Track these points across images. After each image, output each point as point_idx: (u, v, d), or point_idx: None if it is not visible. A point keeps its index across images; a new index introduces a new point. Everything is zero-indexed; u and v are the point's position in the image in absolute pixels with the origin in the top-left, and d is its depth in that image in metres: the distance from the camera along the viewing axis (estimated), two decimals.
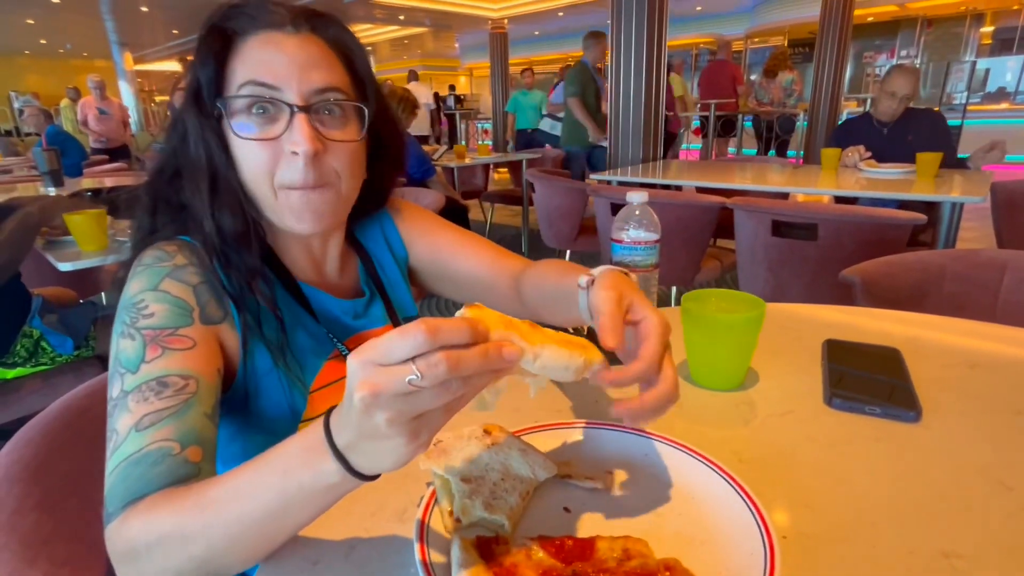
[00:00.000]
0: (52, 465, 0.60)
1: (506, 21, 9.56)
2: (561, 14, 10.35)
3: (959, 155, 2.67)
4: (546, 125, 5.67)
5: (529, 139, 6.05)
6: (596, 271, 0.54)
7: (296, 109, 0.55)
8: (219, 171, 0.57)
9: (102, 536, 0.58)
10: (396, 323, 0.74)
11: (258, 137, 0.56)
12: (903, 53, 10.81)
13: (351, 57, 0.62)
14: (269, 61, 0.56)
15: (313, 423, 0.38)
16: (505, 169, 6.57)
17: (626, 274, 0.55)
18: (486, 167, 5.09)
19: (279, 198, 0.58)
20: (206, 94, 0.56)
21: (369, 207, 0.74)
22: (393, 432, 0.32)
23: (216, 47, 0.56)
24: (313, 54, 0.58)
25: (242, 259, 0.59)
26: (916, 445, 0.56)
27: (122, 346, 0.51)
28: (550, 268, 0.67)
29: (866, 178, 2.45)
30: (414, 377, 0.30)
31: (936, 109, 3.10)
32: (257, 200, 0.59)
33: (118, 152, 6.14)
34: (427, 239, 0.79)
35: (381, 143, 0.67)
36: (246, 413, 0.60)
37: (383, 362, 0.31)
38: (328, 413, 0.37)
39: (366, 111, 0.60)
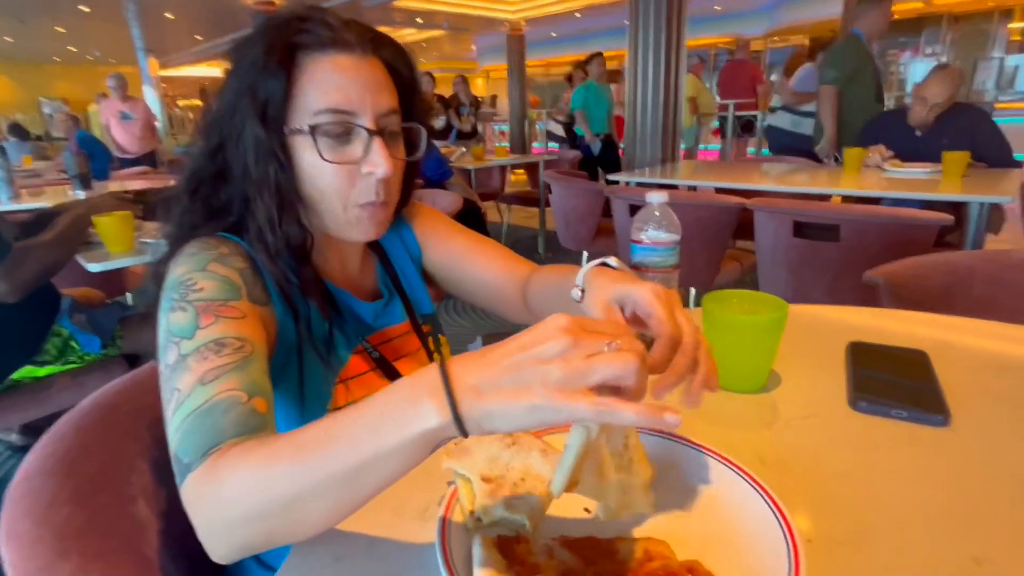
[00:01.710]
0: (84, 460, 0.62)
1: (523, 23, 9.57)
2: (579, 15, 10.33)
3: (1017, 155, 2.45)
4: (783, 121, 4.02)
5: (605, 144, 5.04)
6: (580, 278, 0.57)
7: (373, 133, 0.58)
8: (284, 186, 0.59)
9: (134, 530, 0.60)
10: (414, 320, 0.76)
11: (342, 161, 0.58)
12: (928, 51, 10.58)
13: (401, 76, 0.64)
14: (346, 87, 0.57)
15: (417, 373, 0.37)
16: (522, 171, 6.57)
17: (606, 264, 0.57)
18: (503, 169, 5.10)
19: (348, 213, 0.61)
20: (274, 109, 0.57)
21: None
22: (541, 392, 0.33)
23: (285, 61, 0.56)
24: (378, 78, 0.60)
25: (300, 269, 0.61)
26: (944, 449, 0.55)
27: (173, 319, 0.51)
28: (550, 274, 0.70)
29: (890, 178, 2.41)
30: (614, 344, 0.34)
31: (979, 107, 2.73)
32: (321, 214, 0.62)
33: (143, 162, 5.50)
34: (440, 243, 0.80)
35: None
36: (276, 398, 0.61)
37: (588, 328, 0.35)
38: (440, 361, 0.37)
39: (423, 131, 0.65)
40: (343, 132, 0.58)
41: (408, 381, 0.37)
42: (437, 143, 5.25)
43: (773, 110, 4.23)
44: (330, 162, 0.58)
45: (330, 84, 0.57)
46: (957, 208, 2.11)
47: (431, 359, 0.76)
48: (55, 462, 0.59)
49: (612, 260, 0.59)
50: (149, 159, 5.66)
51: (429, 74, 5.86)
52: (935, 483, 0.51)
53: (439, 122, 5.86)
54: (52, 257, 1.39)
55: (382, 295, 0.75)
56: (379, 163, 0.58)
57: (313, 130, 0.57)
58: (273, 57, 0.56)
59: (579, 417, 0.33)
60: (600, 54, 5.06)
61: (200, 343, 0.49)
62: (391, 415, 0.36)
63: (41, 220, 1.57)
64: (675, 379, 0.45)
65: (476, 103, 6.39)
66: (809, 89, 3.69)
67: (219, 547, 0.41)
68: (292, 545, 0.46)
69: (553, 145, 7.19)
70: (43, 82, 14.58)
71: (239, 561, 0.68)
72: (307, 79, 0.57)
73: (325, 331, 0.64)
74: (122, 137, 5.54)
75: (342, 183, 0.59)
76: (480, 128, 6.55)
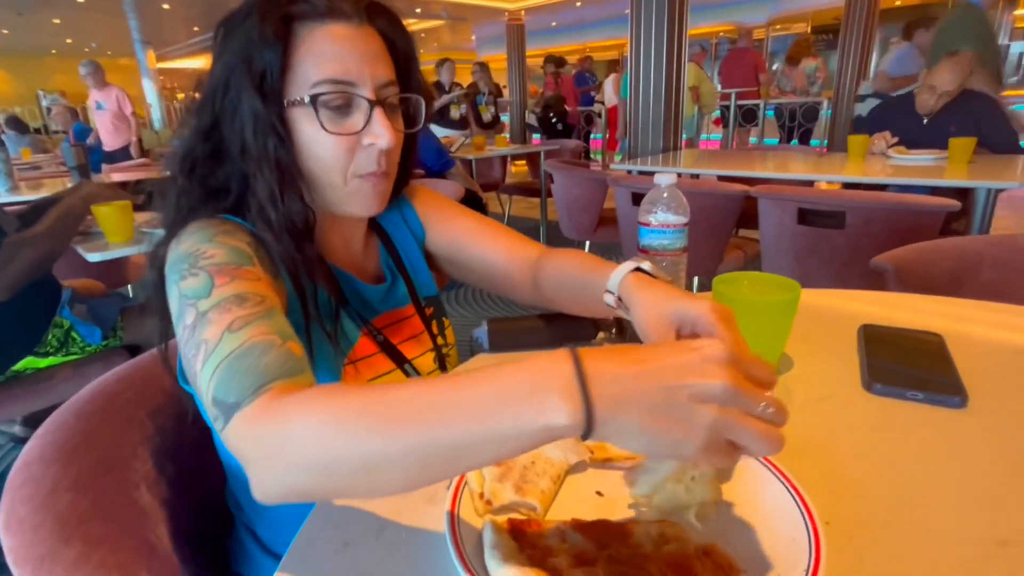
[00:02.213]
0: (85, 447, 0.61)
1: (523, 12, 9.49)
2: (579, 4, 10.24)
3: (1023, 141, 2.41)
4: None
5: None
6: (615, 282, 0.55)
7: (373, 104, 0.57)
8: (284, 160, 0.57)
9: (137, 516, 0.59)
10: (417, 303, 0.75)
11: (343, 132, 0.57)
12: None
13: (396, 47, 0.62)
14: (344, 56, 0.56)
15: (543, 359, 0.34)
16: (523, 161, 6.53)
17: (646, 271, 0.55)
18: (504, 159, 5.07)
19: (348, 185, 0.60)
20: (272, 81, 0.55)
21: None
22: (689, 432, 0.32)
23: (281, 32, 0.54)
24: (376, 48, 0.59)
25: (303, 247, 0.59)
26: (962, 431, 0.54)
27: (186, 285, 0.48)
28: (570, 259, 0.68)
29: (895, 165, 2.39)
30: (767, 407, 0.33)
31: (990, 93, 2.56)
32: (322, 188, 0.60)
33: (117, 156, 4.93)
34: (444, 223, 0.79)
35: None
36: None
37: (746, 372, 0.34)
38: (573, 353, 0.34)
39: (422, 102, 0.63)
40: (343, 103, 0.57)
41: (532, 368, 0.34)
42: (456, 133, 5.07)
43: (862, 98, 3.76)
44: (332, 133, 0.57)
45: (329, 54, 0.56)
46: (963, 194, 2.09)
47: (434, 343, 0.75)
48: (56, 449, 0.59)
49: (646, 265, 0.57)
50: (124, 153, 5.09)
51: (449, 60, 5.53)
52: (953, 465, 0.49)
53: (458, 112, 5.58)
54: (44, 250, 1.37)
55: (385, 278, 0.73)
56: (381, 133, 0.57)
57: (314, 100, 0.56)
58: (269, 28, 0.54)
59: (713, 465, 0.34)
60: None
61: (220, 298, 0.46)
62: (511, 401, 0.33)
63: (36, 211, 1.55)
64: None
65: (497, 91, 5.95)
66: (907, 72, 3.31)
67: (271, 487, 0.38)
68: (298, 530, 0.45)
69: (536, 136, 7.13)
70: (41, 75, 14.50)
71: (243, 546, 0.68)
72: (304, 50, 0.56)
73: (332, 311, 0.63)
74: (99, 129, 5.14)
75: (343, 155, 0.58)
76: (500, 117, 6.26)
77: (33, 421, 1.94)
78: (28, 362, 1.45)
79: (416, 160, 0.74)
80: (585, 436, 0.32)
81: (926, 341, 0.70)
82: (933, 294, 0.91)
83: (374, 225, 0.76)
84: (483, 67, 5.74)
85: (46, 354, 1.48)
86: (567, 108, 6.23)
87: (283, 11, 0.55)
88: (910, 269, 1.20)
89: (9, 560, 0.48)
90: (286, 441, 0.37)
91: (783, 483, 0.44)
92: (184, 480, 0.69)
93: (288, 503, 0.38)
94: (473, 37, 13.84)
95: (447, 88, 5.45)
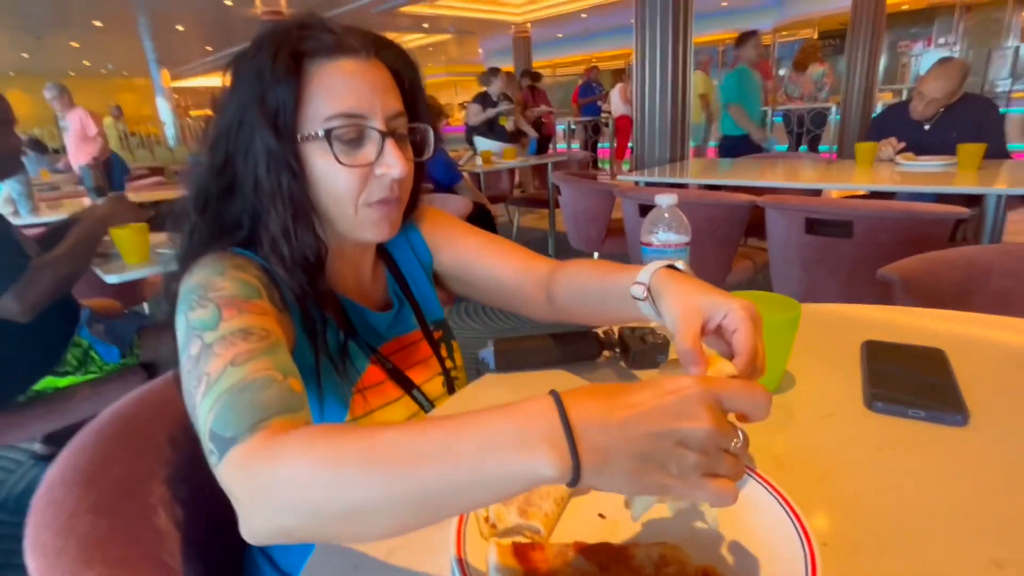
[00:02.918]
0: (105, 470, 0.63)
1: (529, 25, 9.58)
2: (584, 15, 10.33)
3: (1009, 145, 2.52)
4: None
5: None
6: (646, 275, 0.55)
7: (385, 135, 0.59)
8: (298, 195, 0.58)
9: (155, 539, 0.61)
10: (425, 328, 0.76)
11: (357, 163, 0.59)
12: (940, 41, 10.43)
13: (403, 80, 0.64)
14: (355, 90, 0.58)
15: (528, 407, 0.35)
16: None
17: (674, 267, 0.56)
18: (512, 171, 5.11)
19: (360, 214, 0.61)
20: (285, 118, 0.56)
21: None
22: (675, 477, 0.33)
23: (293, 69, 0.56)
24: (384, 80, 0.61)
25: (315, 281, 0.61)
26: (963, 449, 0.55)
27: (193, 315, 0.50)
28: (585, 269, 0.68)
29: (903, 172, 2.38)
30: (740, 441, 0.35)
31: (986, 97, 2.84)
32: (334, 219, 0.62)
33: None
34: (451, 245, 0.79)
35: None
36: None
37: (723, 402, 0.35)
38: (556, 400, 0.34)
39: (430, 131, 0.65)
40: (356, 136, 0.58)
41: (518, 416, 0.34)
42: (511, 146, 4.80)
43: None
44: (346, 165, 0.58)
45: (340, 89, 0.57)
46: (972, 201, 2.08)
47: (443, 366, 0.76)
48: (77, 473, 0.61)
49: (680, 263, 0.57)
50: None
51: (497, 70, 5.13)
52: (954, 484, 0.50)
53: (510, 123, 5.26)
54: (65, 271, 1.41)
55: (393, 304, 0.75)
56: (393, 164, 0.59)
57: (328, 135, 0.57)
58: (281, 66, 0.55)
59: (698, 500, 0.36)
60: (756, 33, 3.97)
61: (226, 332, 0.47)
62: (497, 450, 0.33)
63: (56, 233, 1.60)
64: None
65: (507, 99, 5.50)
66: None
67: (258, 528, 0.39)
68: (311, 552, 0.46)
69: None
70: None
71: (256, 566, 0.69)
72: (315, 85, 0.57)
73: (340, 342, 0.64)
74: (68, 149, 5.02)
75: (355, 185, 0.59)
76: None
77: (53, 439, 1.98)
78: (48, 381, 1.49)
79: (421, 180, 0.75)
80: (572, 485, 0.33)
81: (928, 357, 0.71)
82: (941, 305, 0.92)
83: (381, 251, 0.77)
84: (497, 73, 5.39)
85: (65, 373, 1.51)
86: (543, 120, 6.37)
87: (293, 48, 0.57)
88: (918, 279, 1.20)
89: None
90: (274, 482, 0.37)
91: (781, 504, 0.44)
92: (199, 502, 0.71)
93: (276, 544, 0.39)
94: (480, 50, 13.98)
95: (496, 100, 5.18)
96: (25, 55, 12.05)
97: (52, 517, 0.55)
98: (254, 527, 0.39)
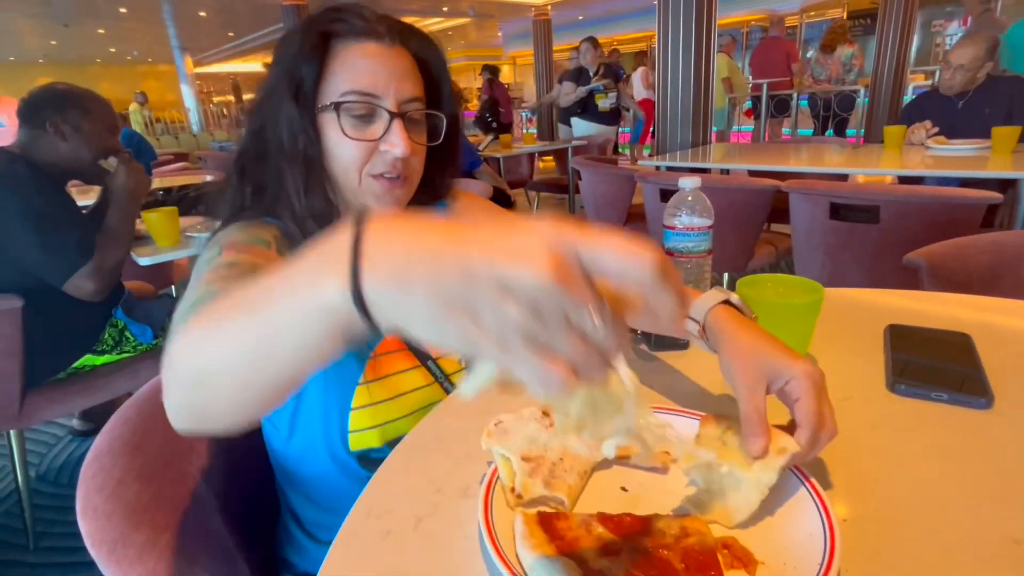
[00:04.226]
0: (148, 440, 0.66)
1: (549, 7, 9.45)
2: None
3: None
4: None
5: None
6: (700, 312, 0.56)
7: (393, 116, 0.64)
8: (312, 159, 0.64)
9: (196, 506, 0.64)
10: None
11: (362, 138, 0.64)
12: None
13: (429, 68, 0.69)
14: (372, 71, 0.63)
15: (336, 231, 0.29)
16: (551, 157, 6.53)
17: (736, 307, 0.57)
18: (531, 156, 5.09)
19: (363, 184, 0.66)
20: (307, 89, 0.62)
21: (425, 198, 0.78)
22: (486, 333, 0.25)
23: (319, 47, 0.62)
24: (404, 66, 0.65)
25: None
26: (987, 432, 0.55)
27: (201, 258, 0.57)
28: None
29: (934, 156, 2.32)
30: (597, 318, 0.25)
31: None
32: (342, 186, 0.67)
33: None
34: None
35: (444, 142, 0.72)
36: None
37: (579, 268, 0.25)
38: (358, 220, 0.28)
39: (444, 119, 0.69)
40: (366, 113, 0.64)
41: (322, 244, 0.29)
42: (609, 130, 4.38)
43: None
44: (351, 138, 0.63)
45: (358, 68, 0.63)
46: (1006, 186, 2.02)
47: None
48: (123, 443, 0.64)
49: (735, 298, 0.58)
50: None
51: (592, 40, 4.43)
52: (976, 465, 0.50)
53: (607, 102, 4.55)
54: (120, 251, 1.48)
55: None
56: (397, 143, 0.64)
57: (337, 107, 0.63)
58: (309, 44, 0.62)
59: (516, 374, 0.26)
60: None
61: (216, 264, 0.54)
62: (289, 280, 0.30)
63: (95, 215, 1.65)
64: (805, 454, 0.45)
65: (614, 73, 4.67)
66: None
67: (168, 407, 0.39)
68: (343, 521, 0.48)
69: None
70: (86, 83, 15.02)
71: (288, 532, 0.73)
72: (338, 63, 0.63)
73: None
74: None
75: (360, 157, 0.64)
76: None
77: (89, 415, 2.06)
78: (87, 359, 1.55)
79: (451, 167, 0.79)
80: (370, 320, 0.27)
81: (953, 341, 0.70)
82: (969, 291, 0.90)
83: None
84: (596, 44, 4.51)
85: (102, 352, 1.57)
86: (500, 110, 6.40)
87: (323, 29, 0.63)
88: (945, 265, 1.18)
89: (88, 544, 0.53)
90: (169, 358, 0.36)
91: (801, 480, 0.45)
92: (235, 473, 0.74)
93: (191, 430, 0.39)
94: (500, 34, 13.85)
95: (593, 74, 4.50)
96: (53, 42, 12.27)
97: (101, 483, 0.59)
98: (167, 407, 0.39)
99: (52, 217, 1.35)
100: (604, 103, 4.59)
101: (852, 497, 0.47)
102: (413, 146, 0.66)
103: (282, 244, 0.63)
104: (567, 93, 4.65)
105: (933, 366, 0.64)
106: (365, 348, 0.68)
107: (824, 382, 0.47)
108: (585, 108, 4.67)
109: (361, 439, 0.66)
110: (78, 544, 1.52)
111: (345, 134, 0.63)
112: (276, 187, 0.66)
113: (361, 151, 0.64)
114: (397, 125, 0.64)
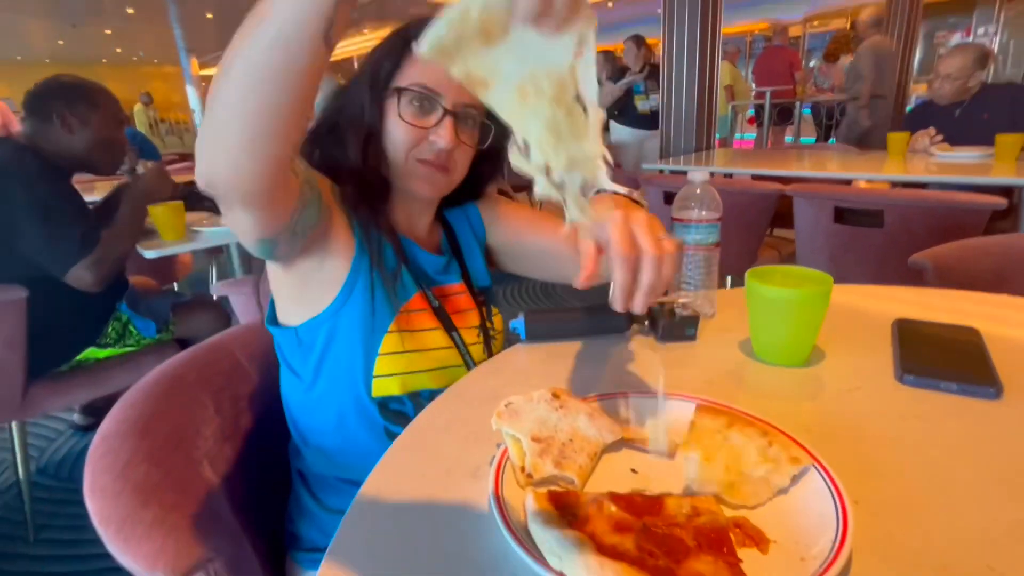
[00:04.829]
0: (155, 424, 0.66)
1: None
2: (611, 4, 10.21)
3: None
4: None
5: None
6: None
7: (448, 113, 0.71)
8: (373, 131, 0.73)
9: (203, 488, 0.64)
10: (469, 284, 0.83)
11: (417, 124, 0.71)
12: (980, 31, 10.07)
13: None
14: (437, 73, 0.70)
15: None
16: None
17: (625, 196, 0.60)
18: None
19: (409, 165, 0.73)
20: (383, 78, 0.72)
21: (463, 197, 0.86)
22: None
23: (400, 47, 0.72)
24: None
25: (376, 202, 0.74)
26: (996, 421, 0.55)
27: None
28: None
29: (938, 163, 2.33)
30: None
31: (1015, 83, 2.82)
32: (391, 165, 0.74)
33: None
34: (506, 219, 0.89)
35: (492, 148, 0.78)
36: (341, 317, 0.70)
37: None
38: None
39: (493, 129, 0.76)
40: (424, 103, 0.71)
41: None
42: (649, 134, 3.98)
43: None
44: (405, 121, 0.71)
45: (427, 68, 0.70)
46: (1010, 193, 2.02)
47: (483, 321, 0.82)
48: (130, 426, 0.64)
49: (621, 188, 0.61)
50: None
51: (642, 39, 4.14)
52: (985, 453, 0.50)
53: (647, 104, 4.15)
54: (128, 243, 1.49)
55: (444, 255, 0.82)
56: (443, 135, 0.71)
57: (400, 92, 0.71)
58: (392, 44, 0.72)
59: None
60: None
61: None
62: None
63: (104, 211, 1.66)
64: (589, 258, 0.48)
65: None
66: None
67: (197, 154, 0.49)
68: (355, 493, 0.48)
69: None
70: None
71: (300, 502, 0.74)
72: (411, 62, 0.71)
73: (395, 264, 0.74)
74: None
75: (410, 140, 0.71)
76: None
77: (91, 410, 2.06)
78: (90, 352, 1.55)
79: (493, 177, 0.87)
80: None
81: (962, 335, 0.70)
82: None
83: (440, 217, 0.85)
84: (641, 43, 4.18)
85: (106, 345, 1.58)
86: None
87: (408, 35, 0.72)
88: (951, 267, 1.18)
89: (95, 521, 0.53)
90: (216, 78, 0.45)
91: (813, 463, 0.45)
92: (241, 460, 0.74)
93: (212, 174, 0.50)
94: None
95: (638, 72, 4.12)
96: (60, 42, 12.34)
97: (109, 464, 0.59)
98: (197, 161, 0.49)
99: (56, 208, 1.35)
100: (644, 105, 4.18)
101: (863, 481, 0.47)
102: (458, 142, 0.72)
103: (335, 190, 0.72)
104: (606, 93, 4.31)
105: (941, 358, 0.64)
106: (395, 300, 0.72)
107: (639, 213, 0.49)
108: (622, 111, 4.31)
109: (384, 385, 0.71)
110: (78, 536, 1.53)
111: (401, 117, 0.71)
112: (340, 156, 0.74)
113: (412, 135, 0.71)
114: (448, 121, 0.71)
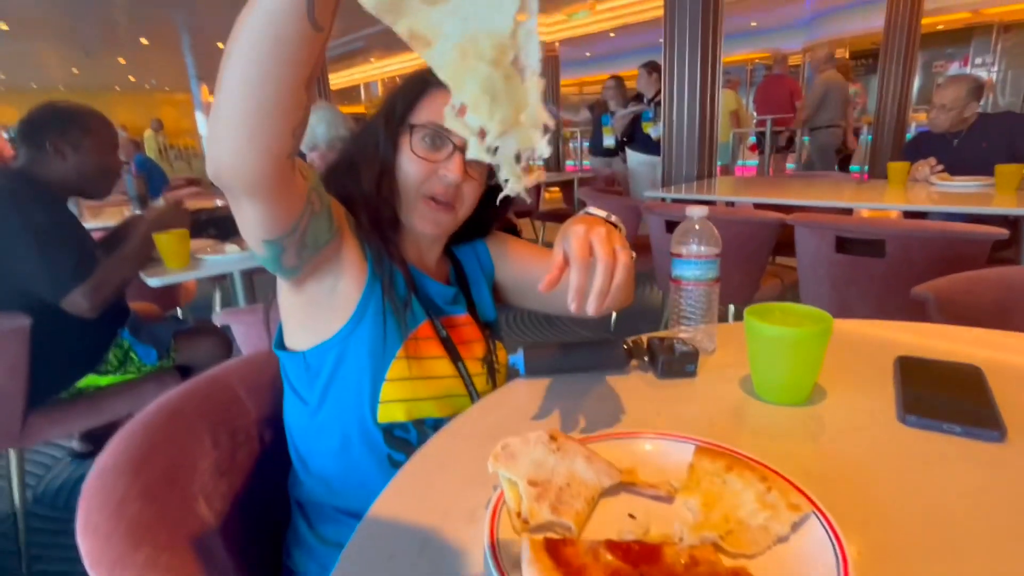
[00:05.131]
0: (152, 460, 0.66)
1: (557, 44, 9.71)
2: (613, 35, 10.42)
3: None
4: None
5: None
6: None
7: (457, 148, 0.73)
8: (386, 164, 0.76)
9: (197, 527, 0.63)
10: (476, 317, 0.85)
11: (427, 158, 0.74)
12: (978, 61, 10.21)
13: None
14: None
15: None
16: (556, 188, 6.61)
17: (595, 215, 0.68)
18: (537, 186, 5.15)
19: (416, 203, 0.76)
20: (398, 117, 0.76)
21: (471, 234, 0.89)
22: None
23: (418, 88, 0.76)
24: None
25: (387, 231, 0.77)
26: (1001, 465, 0.54)
27: None
28: None
29: (939, 192, 2.34)
30: None
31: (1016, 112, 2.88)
32: (402, 198, 0.77)
33: None
34: (512, 255, 0.91)
35: (499, 187, 0.77)
36: (351, 342, 0.72)
37: None
38: None
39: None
40: (436, 139, 0.74)
41: None
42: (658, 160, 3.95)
43: None
44: (417, 155, 0.74)
45: (439, 108, 0.70)
46: (1012, 223, 2.03)
47: (487, 354, 0.83)
48: (126, 460, 0.64)
49: (597, 211, 0.71)
50: None
51: (656, 65, 4.13)
52: (991, 500, 0.49)
53: (656, 130, 4.19)
54: (129, 271, 1.50)
55: (452, 287, 0.84)
56: (452, 169, 0.73)
57: (412, 128, 0.74)
58: (410, 85, 0.77)
59: None
60: None
61: None
62: None
63: (112, 238, 1.67)
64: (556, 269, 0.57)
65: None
66: None
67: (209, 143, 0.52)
68: (348, 539, 0.48)
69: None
70: (104, 110, 15.49)
71: (298, 534, 0.74)
72: (427, 102, 0.76)
73: (405, 292, 0.76)
74: None
75: (420, 174, 0.74)
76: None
77: (90, 438, 2.05)
78: (90, 380, 1.55)
79: (500, 217, 0.91)
80: None
81: (964, 373, 0.70)
82: (978, 326, 0.90)
83: (449, 252, 0.88)
84: (653, 70, 4.30)
85: (106, 372, 1.57)
86: None
87: (423, 77, 0.76)
88: (953, 300, 1.18)
89: (86, 563, 0.52)
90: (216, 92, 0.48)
91: (814, 512, 0.45)
92: (237, 497, 0.73)
93: (217, 162, 0.52)
94: None
95: (649, 101, 4.19)
96: (75, 71, 12.64)
97: (103, 501, 0.58)
98: (207, 150, 0.53)
99: (52, 233, 1.36)
100: (654, 131, 4.11)
101: (865, 529, 0.46)
102: (466, 176, 0.75)
103: (351, 220, 0.75)
104: (618, 119, 4.43)
105: (944, 398, 0.64)
106: (404, 328, 0.74)
107: (600, 227, 0.57)
108: (632, 137, 4.37)
109: (389, 411, 0.72)
110: (72, 569, 1.50)
111: (413, 151, 0.74)
112: (355, 188, 0.77)
113: (423, 168, 0.74)
114: (458, 156, 0.73)
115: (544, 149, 0.38)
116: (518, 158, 0.39)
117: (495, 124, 0.36)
